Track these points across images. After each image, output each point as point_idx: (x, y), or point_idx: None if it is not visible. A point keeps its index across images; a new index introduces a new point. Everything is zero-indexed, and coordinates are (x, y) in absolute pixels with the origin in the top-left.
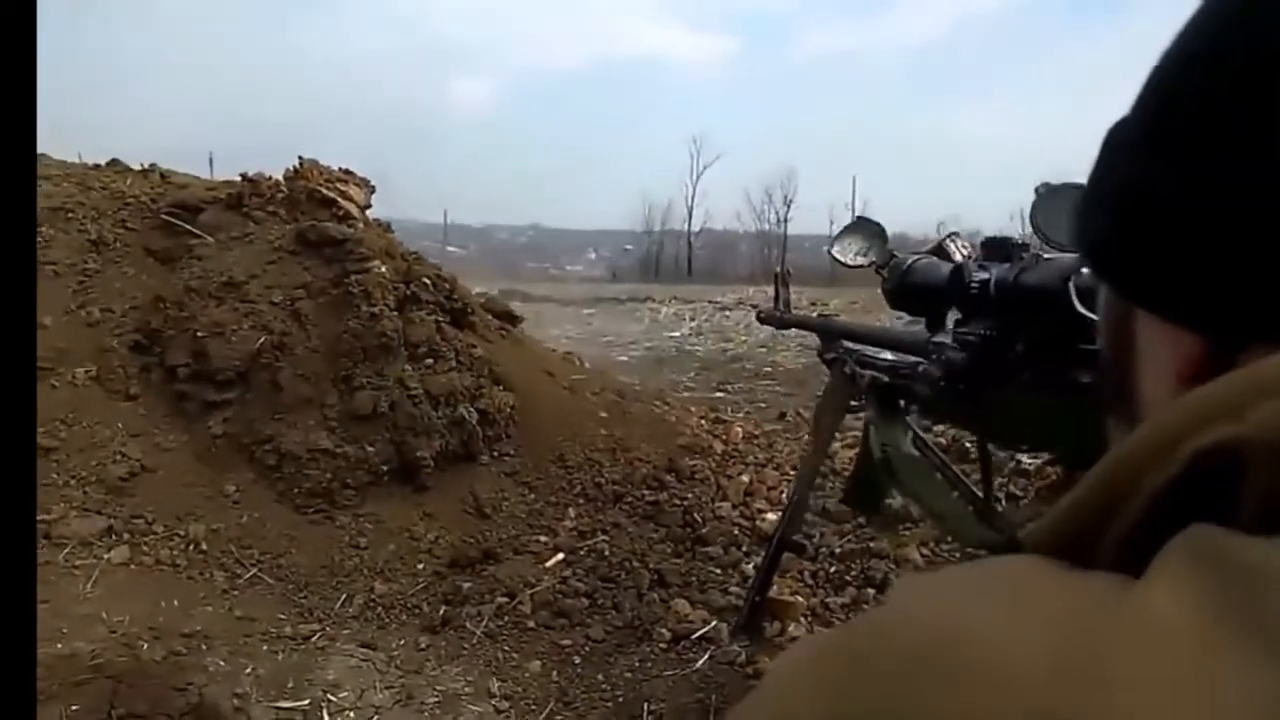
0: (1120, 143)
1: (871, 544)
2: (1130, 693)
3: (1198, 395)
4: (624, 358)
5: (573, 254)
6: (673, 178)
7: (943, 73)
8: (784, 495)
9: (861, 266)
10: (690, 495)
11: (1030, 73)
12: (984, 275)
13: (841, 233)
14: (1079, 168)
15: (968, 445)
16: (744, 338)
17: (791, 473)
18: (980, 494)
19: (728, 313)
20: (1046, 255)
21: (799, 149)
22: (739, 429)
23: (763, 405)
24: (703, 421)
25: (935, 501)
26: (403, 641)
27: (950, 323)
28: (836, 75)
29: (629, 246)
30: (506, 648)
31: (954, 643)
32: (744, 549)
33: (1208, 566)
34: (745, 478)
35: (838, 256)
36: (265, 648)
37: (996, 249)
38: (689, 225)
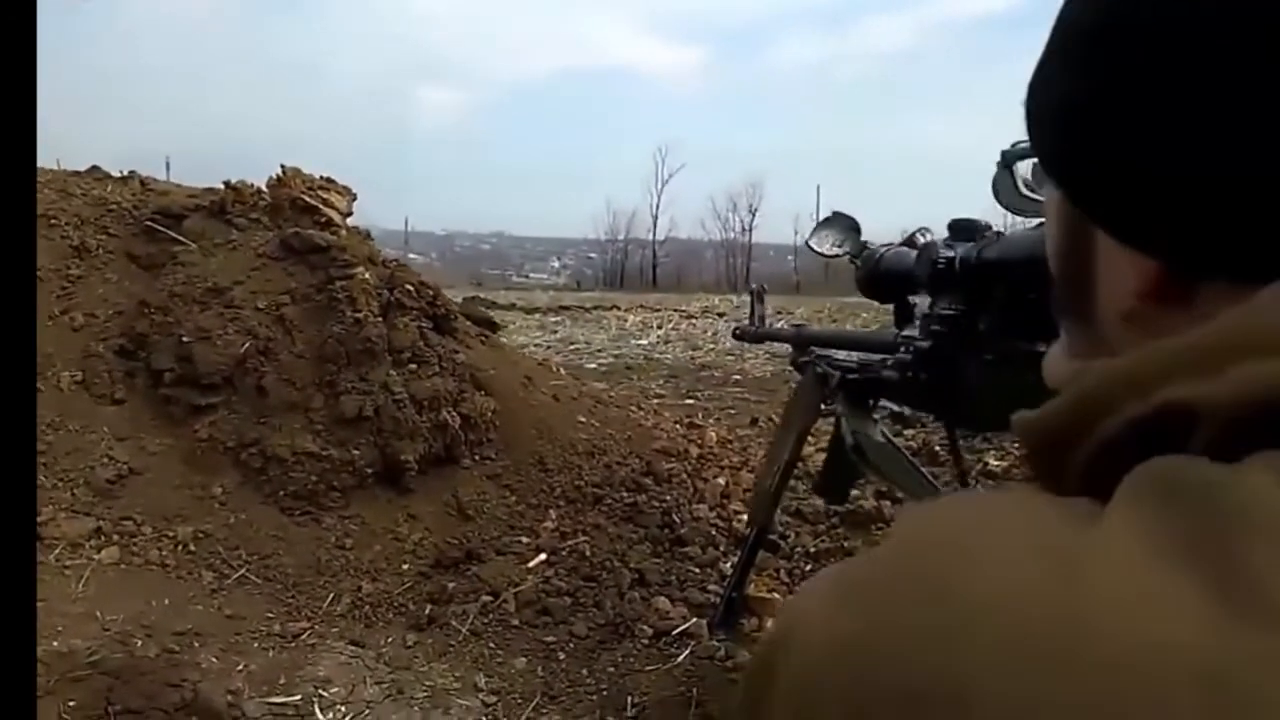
0: (1081, 33)
1: (845, 543)
2: (1094, 601)
3: (1182, 342)
4: (593, 365)
5: (536, 262)
6: (639, 186)
7: (910, 84)
8: None
9: (837, 256)
10: (668, 497)
11: (995, 84)
12: (949, 254)
13: (818, 225)
14: None
15: (938, 449)
16: (711, 346)
17: None
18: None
19: (694, 321)
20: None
21: (765, 158)
22: (713, 434)
23: (733, 412)
24: (678, 426)
25: (908, 485)
26: (390, 639)
27: (918, 315)
28: (805, 86)
29: (593, 255)
30: (492, 645)
31: (958, 567)
32: (721, 549)
33: (1160, 494)
34: (721, 480)
35: (814, 247)
36: (256, 645)
37: (962, 230)
38: (654, 234)
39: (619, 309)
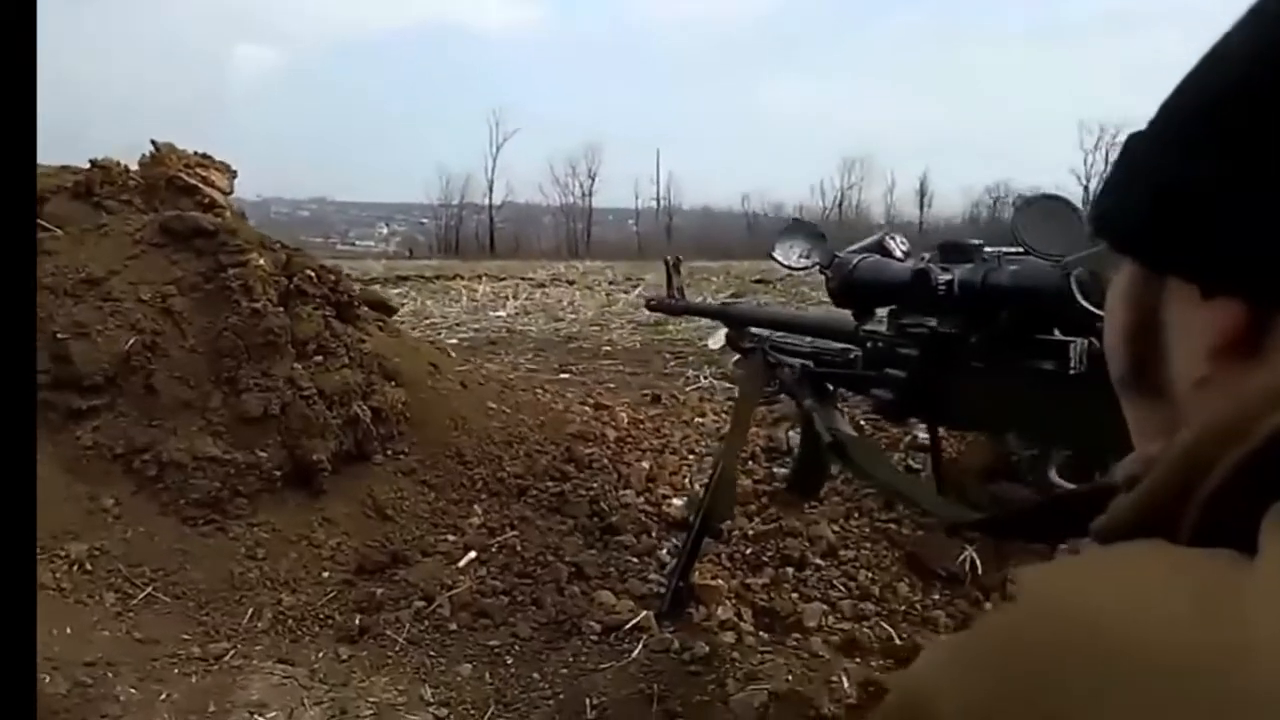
0: (1155, 142)
1: (782, 524)
2: (1257, 639)
3: (1271, 380)
4: (453, 340)
5: (363, 228)
6: (472, 151)
7: (760, 45)
8: (686, 480)
9: (805, 268)
10: (594, 485)
11: (841, 49)
12: (948, 277)
13: (781, 237)
14: (879, 144)
15: (861, 422)
16: (573, 315)
17: (689, 457)
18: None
19: (546, 290)
20: (1007, 254)
21: (607, 122)
22: (624, 414)
23: (611, 385)
24: (586, 408)
25: (893, 479)
26: (321, 654)
27: (883, 314)
28: (652, 48)
29: (425, 220)
30: (432, 653)
31: (1107, 616)
32: (654, 535)
33: None
34: (645, 464)
35: (780, 260)
36: (176, 671)
37: (957, 252)
38: (490, 199)
39: (462, 278)
